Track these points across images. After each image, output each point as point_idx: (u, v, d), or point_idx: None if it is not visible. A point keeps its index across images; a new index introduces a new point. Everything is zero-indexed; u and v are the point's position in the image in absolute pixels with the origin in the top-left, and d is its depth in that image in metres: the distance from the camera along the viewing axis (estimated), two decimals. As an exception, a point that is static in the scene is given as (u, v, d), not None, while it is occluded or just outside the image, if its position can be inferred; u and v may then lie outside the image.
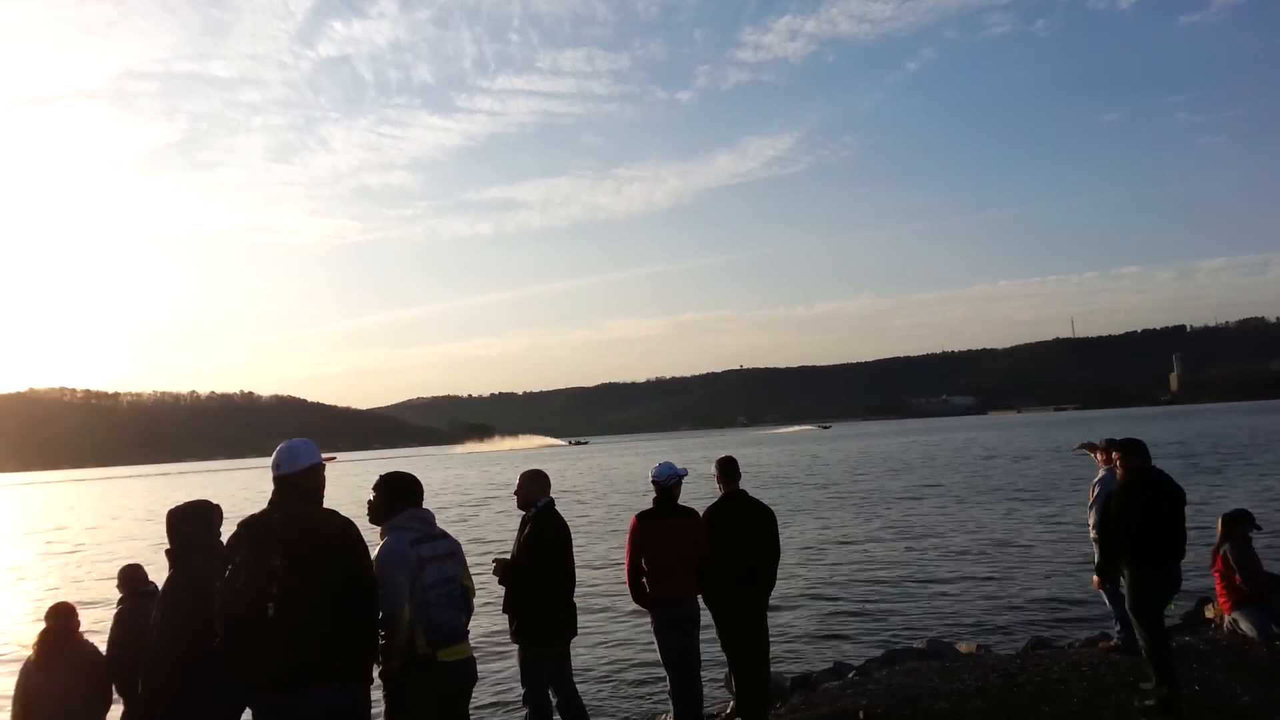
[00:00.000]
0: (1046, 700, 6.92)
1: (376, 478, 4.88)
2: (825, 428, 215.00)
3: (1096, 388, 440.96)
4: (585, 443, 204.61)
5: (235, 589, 4.08)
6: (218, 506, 5.20)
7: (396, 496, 4.78)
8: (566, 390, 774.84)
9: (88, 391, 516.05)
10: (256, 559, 4.11)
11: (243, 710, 4.64)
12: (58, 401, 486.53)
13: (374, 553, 4.53)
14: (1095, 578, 7.90)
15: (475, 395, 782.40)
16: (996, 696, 7.13)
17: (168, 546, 4.99)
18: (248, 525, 4.24)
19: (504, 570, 6.11)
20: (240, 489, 60.65)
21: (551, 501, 6.27)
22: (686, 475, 6.79)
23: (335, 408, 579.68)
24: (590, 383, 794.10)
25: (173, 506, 5.08)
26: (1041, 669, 7.83)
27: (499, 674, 10.11)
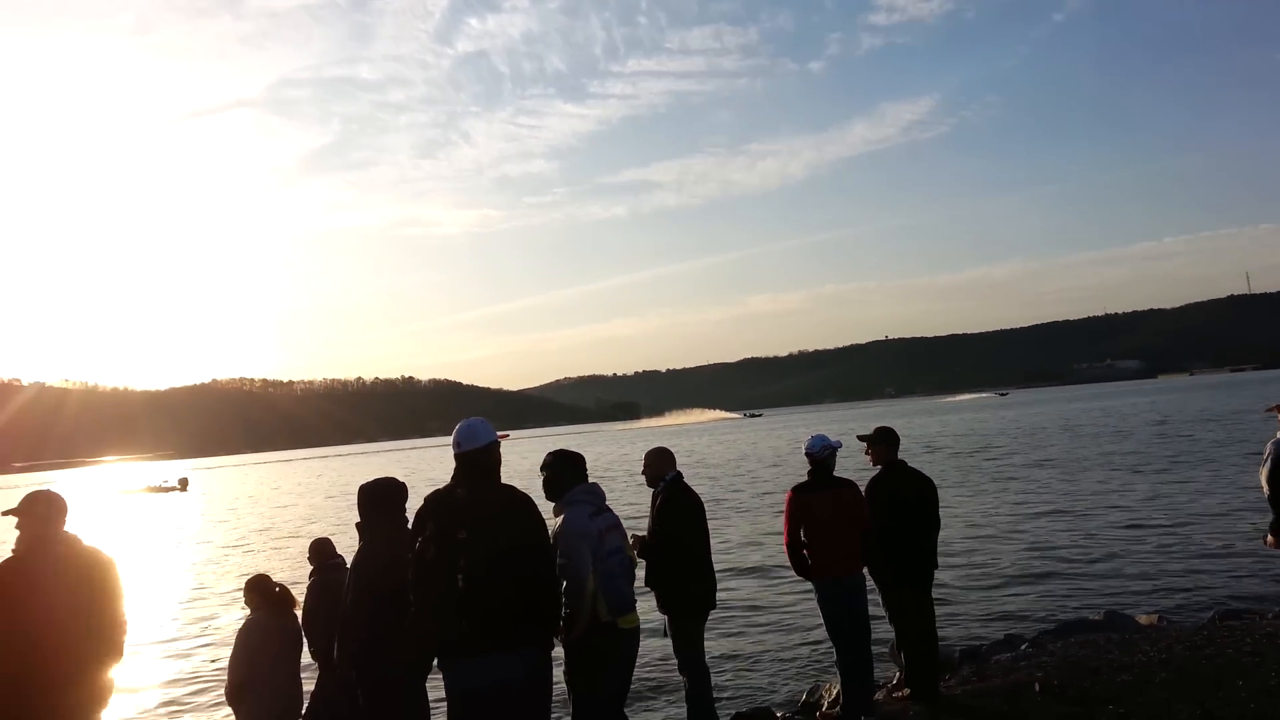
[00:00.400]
0: (1239, 673, 6.54)
1: (546, 455, 5.14)
2: (1002, 394, 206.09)
3: (1277, 347, 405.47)
4: (760, 415, 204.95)
5: (425, 561, 4.37)
6: (403, 484, 5.56)
7: (570, 472, 5.06)
8: (709, 366, 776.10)
9: (265, 380, 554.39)
10: (444, 532, 4.39)
11: (428, 674, 4.98)
12: (238, 391, 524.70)
13: (552, 526, 4.79)
14: (1269, 537, 7.43)
15: (620, 374, 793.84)
16: (1183, 669, 6.79)
17: (358, 520, 5.39)
18: (434, 500, 4.53)
19: (644, 543, 6.19)
20: (404, 469, 63.92)
21: (679, 475, 6.33)
22: (840, 447, 6.77)
23: (489, 389, 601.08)
24: (732, 358, 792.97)
25: (363, 483, 5.46)
26: (1232, 641, 7.40)
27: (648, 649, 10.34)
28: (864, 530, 6.50)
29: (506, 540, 4.37)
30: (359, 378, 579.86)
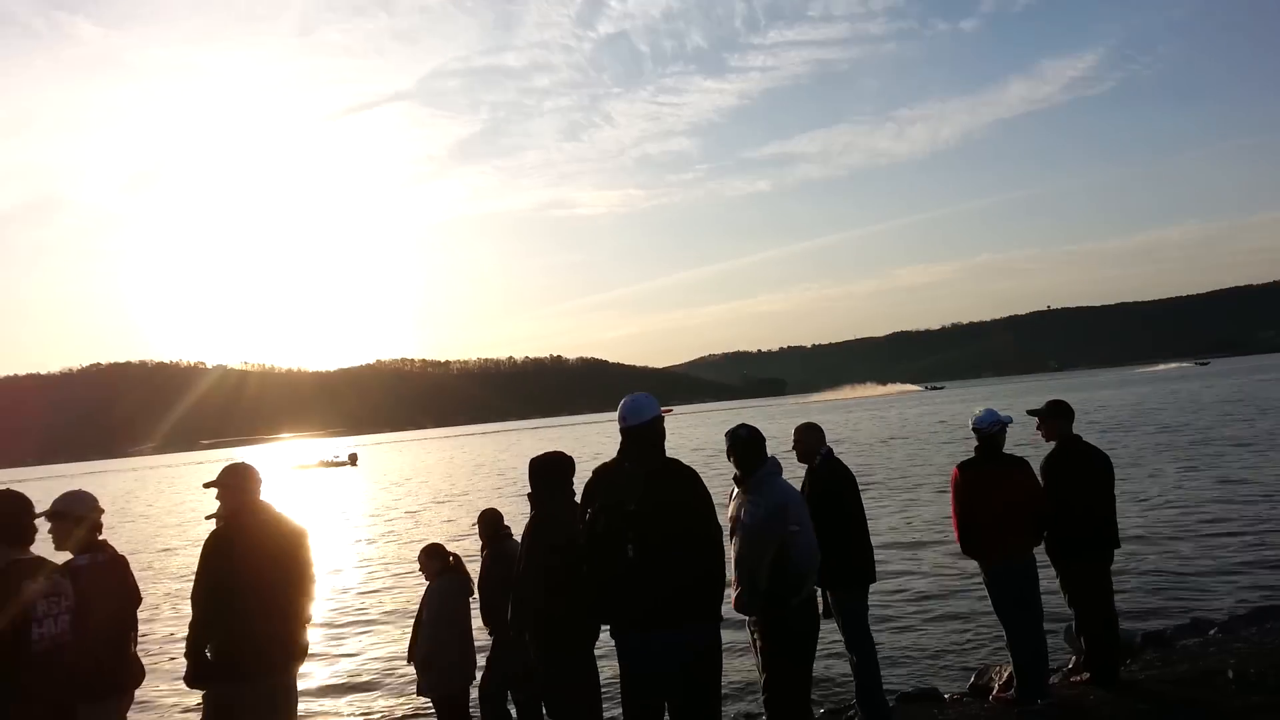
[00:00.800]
0: None
1: (726, 433, 5.28)
2: (1203, 364, 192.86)
3: None
4: (941, 388, 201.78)
5: (595, 533, 4.49)
6: (571, 458, 5.72)
7: (757, 449, 5.19)
8: (856, 341, 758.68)
9: (424, 361, 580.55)
10: (613, 505, 4.50)
11: (595, 642, 5.13)
12: (399, 371, 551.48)
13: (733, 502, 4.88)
14: None
15: (764, 350, 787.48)
16: (1401, 663, 6.20)
17: (529, 491, 5.58)
18: (602, 473, 4.65)
19: None
20: (558, 446, 65.27)
21: (831, 450, 6.26)
22: (1011, 423, 6.50)
23: (634, 367, 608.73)
24: (880, 332, 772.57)
25: (534, 456, 5.65)
26: None
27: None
28: (1036, 510, 6.24)
29: (674, 513, 4.43)
30: (510, 357, 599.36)
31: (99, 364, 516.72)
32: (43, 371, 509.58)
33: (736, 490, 5.23)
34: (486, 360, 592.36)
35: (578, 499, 4.86)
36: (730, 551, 4.94)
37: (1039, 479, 6.35)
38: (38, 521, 4.17)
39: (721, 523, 4.71)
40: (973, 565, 6.64)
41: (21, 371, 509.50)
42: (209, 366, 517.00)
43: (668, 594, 4.32)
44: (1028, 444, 6.54)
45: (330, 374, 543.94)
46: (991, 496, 6.22)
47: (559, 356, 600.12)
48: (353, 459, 73.04)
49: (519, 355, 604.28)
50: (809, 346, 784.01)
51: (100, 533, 4.89)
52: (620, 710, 4.54)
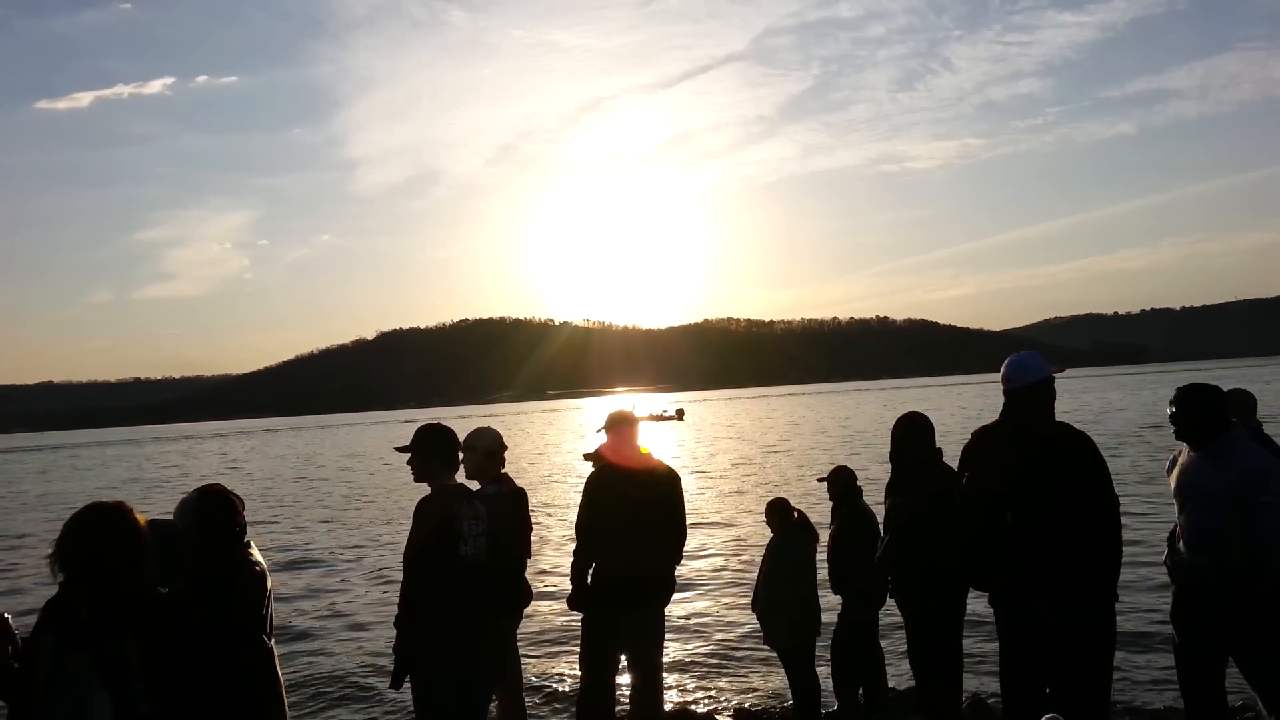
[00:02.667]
0: None
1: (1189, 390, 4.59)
2: None
3: None
4: None
5: (971, 498, 4.30)
6: (927, 419, 5.52)
7: (1223, 408, 4.50)
8: (1240, 303, 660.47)
9: (749, 320, 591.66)
10: (990, 468, 4.27)
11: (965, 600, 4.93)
12: (726, 330, 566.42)
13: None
14: None
15: (1122, 312, 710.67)
16: None
17: (891, 449, 5.49)
18: (981, 435, 4.43)
19: None
20: (870, 407, 64.14)
21: (1261, 425, 5.48)
22: None
23: (967, 330, 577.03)
24: (1270, 293, 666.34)
25: (903, 414, 5.53)
26: None
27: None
28: None
29: (1055, 479, 4.12)
30: (835, 318, 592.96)
31: (466, 320, 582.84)
32: (421, 326, 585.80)
33: (1186, 452, 4.57)
34: (810, 320, 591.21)
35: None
36: (1180, 522, 4.49)
37: None
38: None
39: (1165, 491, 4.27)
40: None
41: (404, 326, 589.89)
42: (557, 323, 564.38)
43: (1047, 564, 4.04)
44: None
45: (661, 332, 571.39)
46: None
47: (885, 317, 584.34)
48: (680, 414, 75.93)
49: (844, 316, 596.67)
50: (1177, 309, 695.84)
51: (503, 466, 5.52)
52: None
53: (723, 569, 13.08)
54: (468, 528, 4.34)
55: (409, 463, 4.50)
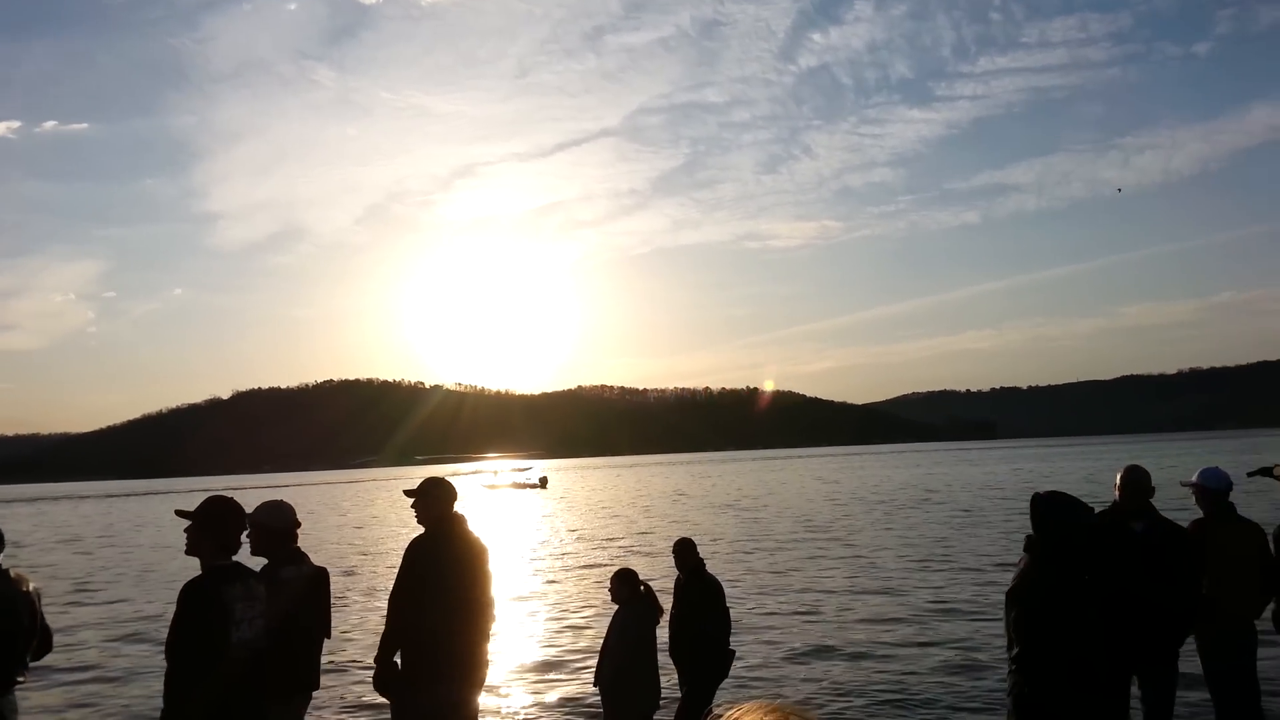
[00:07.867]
0: None
1: None
2: None
3: None
4: None
5: None
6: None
7: None
8: (1078, 384, 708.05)
9: (622, 388, 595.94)
10: None
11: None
12: (599, 398, 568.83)
13: None
14: None
15: (973, 390, 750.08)
16: None
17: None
18: None
19: None
20: (755, 476, 64.89)
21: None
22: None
23: (832, 402, 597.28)
24: (1106, 375, 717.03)
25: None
26: None
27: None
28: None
29: None
30: (706, 388, 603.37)
31: (331, 380, 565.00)
32: (281, 386, 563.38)
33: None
34: (683, 390, 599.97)
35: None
36: None
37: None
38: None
39: None
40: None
41: (263, 385, 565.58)
42: (428, 386, 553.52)
43: None
44: None
45: (535, 397, 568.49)
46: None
47: (754, 388, 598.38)
48: (543, 482, 75.09)
49: (715, 386, 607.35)
50: (1024, 388, 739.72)
51: (296, 542, 5.05)
52: None
53: (551, 644, 12.52)
54: (241, 610, 3.88)
55: (184, 532, 4.04)
